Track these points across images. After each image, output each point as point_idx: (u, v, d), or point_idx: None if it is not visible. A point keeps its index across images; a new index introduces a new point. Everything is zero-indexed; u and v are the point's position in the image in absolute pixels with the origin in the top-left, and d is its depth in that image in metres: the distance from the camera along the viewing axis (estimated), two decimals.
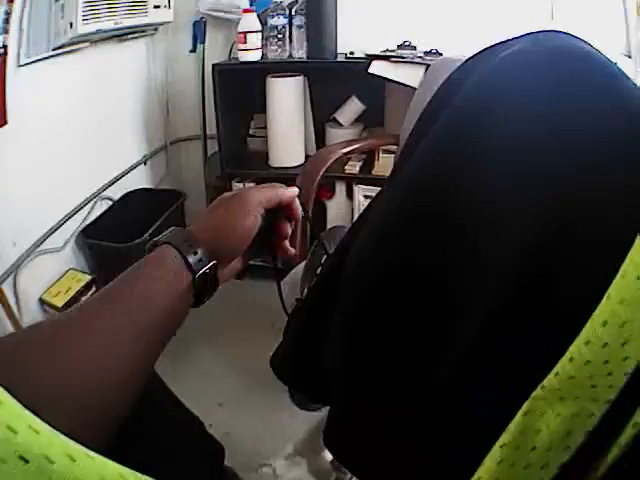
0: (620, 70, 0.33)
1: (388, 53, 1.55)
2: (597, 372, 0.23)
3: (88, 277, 1.45)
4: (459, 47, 1.53)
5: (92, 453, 0.21)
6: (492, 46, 0.41)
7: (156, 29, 1.79)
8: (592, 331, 0.24)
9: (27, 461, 0.18)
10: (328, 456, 0.78)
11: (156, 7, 1.66)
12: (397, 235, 0.38)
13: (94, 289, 1.45)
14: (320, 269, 0.68)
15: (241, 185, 1.65)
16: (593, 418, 0.24)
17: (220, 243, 0.43)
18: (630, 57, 2.04)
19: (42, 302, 1.34)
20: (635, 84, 0.32)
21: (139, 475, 0.22)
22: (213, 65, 1.58)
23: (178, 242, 0.40)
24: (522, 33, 0.39)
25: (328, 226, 1.63)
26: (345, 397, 0.44)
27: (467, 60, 0.42)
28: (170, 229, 0.43)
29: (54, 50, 1.31)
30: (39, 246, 1.31)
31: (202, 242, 0.41)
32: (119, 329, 0.35)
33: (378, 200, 0.47)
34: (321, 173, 1.26)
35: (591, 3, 1.98)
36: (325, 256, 0.69)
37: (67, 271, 1.44)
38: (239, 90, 1.66)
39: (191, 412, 0.55)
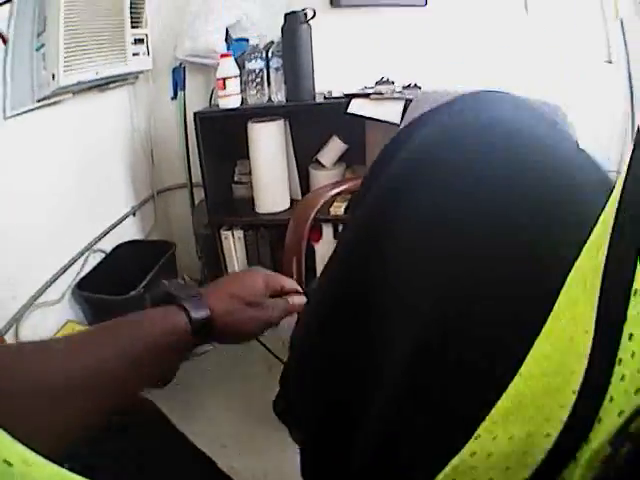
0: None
1: (367, 90, 1.56)
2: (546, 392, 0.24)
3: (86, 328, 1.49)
4: (438, 79, 1.56)
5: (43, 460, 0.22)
6: (426, 113, 0.41)
7: (137, 77, 1.84)
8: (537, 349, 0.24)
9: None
10: None
11: (135, 55, 1.70)
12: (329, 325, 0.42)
13: None
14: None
15: (229, 233, 1.67)
16: (550, 438, 0.24)
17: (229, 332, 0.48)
18: (611, 62, 2.04)
19: None
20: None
21: None
22: (194, 113, 1.61)
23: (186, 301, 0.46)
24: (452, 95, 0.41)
25: (318, 269, 1.65)
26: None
27: (407, 125, 0.42)
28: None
29: (38, 102, 1.34)
30: (37, 299, 1.35)
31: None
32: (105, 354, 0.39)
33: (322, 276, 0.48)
34: (311, 217, 1.28)
35: (569, 11, 1.99)
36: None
37: (66, 323, 1.48)
38: (222, 136, 1.69)
39: (204, 453, 0.58)
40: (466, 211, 0.30)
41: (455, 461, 0.26)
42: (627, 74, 2.03)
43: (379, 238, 0.35)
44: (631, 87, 2.03)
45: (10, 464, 0.20)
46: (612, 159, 2.04)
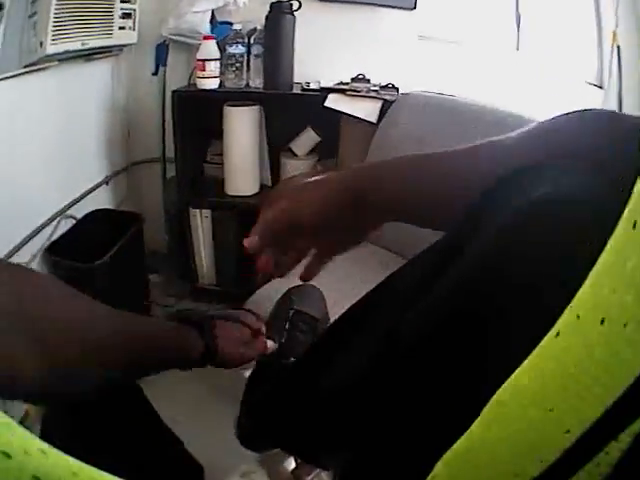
0: None
1: (342, 86, 1.64)
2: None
3: None
4: (413, 82, 1.64)
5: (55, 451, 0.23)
6: (519, 177, 0.40)
7: (121, 50, 1.88)
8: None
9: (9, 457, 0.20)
10: (289, 466, 0.83)
11: (121, 28, 1.75)
12: None
13: None
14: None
15: (197, 211, 1.74)
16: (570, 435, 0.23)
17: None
18: (601, 87, 2.12)
19: None
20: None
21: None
22: (173, 91, 1.68)
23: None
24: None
25: None
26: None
27: (492, 188, 0.41)
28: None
29: (24, 67, 1.38)
30: (9, 259, 1.36)
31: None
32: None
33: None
34: None
35: (563, 31, 2.06)
36: (292, 310, 0.79)
37: None
38: (198, 116, 1.76)
39: (173, 433, 0.69)
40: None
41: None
42: (618, 101, 2.12)
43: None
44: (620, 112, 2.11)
45: (9, 456, 0.20)
46: None
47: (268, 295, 1.06)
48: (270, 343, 0.71)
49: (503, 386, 0.26)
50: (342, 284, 1.15)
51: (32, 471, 0.20)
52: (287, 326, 0.76)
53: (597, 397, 0.21)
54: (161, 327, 0.61)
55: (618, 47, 2.03)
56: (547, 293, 0.31)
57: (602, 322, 0.20)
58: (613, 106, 2.06)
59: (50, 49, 1.37)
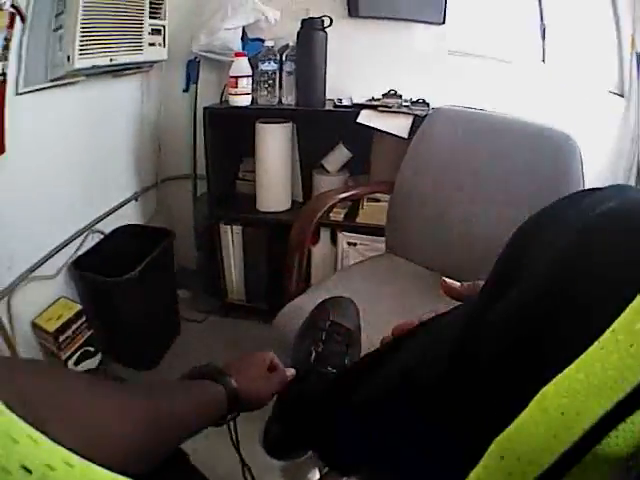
0: None
1: (374, 102, 1.65)
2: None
3: (78, 306, 1.56)
4: (443, 96, 1.64)
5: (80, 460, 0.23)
6: (573, 196, 0.40)
7: (151, 66, 1.91)
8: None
9: (30, 472, 0.20)
10: (314, 477, 0.85)
11: (151, 45, 1.78)
12: None
13: (84, 318, 1.56)
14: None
15: (228, 227, 1.75)
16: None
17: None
18: (622, 96, 2.11)
19: (34, 326, 1.45)
20: None
21: None
22: (204, 108, 1.69)
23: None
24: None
25: (313, 271, 1.73)
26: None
27: (542, 211, 0.41)
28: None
29: (51, 81, 1.40)
30: (32, 272, 1.41)
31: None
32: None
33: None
34: (319, 215, 1.36)
35: (584, 41, 2.06)
36: (328, 322, 0.80)
37: (59, 299, 1.55)
38: (229, 133, 1.77)
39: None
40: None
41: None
42: (638, 108, 2.11)
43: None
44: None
45: (53, 468, 0.20)
46: None
47: (299, 307, 1.07)
48: (290, 371, 0.72)
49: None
50: (368, 296, 1.17)
51: None
52: (324, 336, 0.78)
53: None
54: (186, 394, 0.60)
55: (637, 54, 2.03)
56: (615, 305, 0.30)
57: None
58: (634, 114, 2.06)
59: (78, 64, 1.39)
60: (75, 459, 0.23)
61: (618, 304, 0.28)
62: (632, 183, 2.10)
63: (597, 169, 1.99)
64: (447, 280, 0.52)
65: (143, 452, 0.49)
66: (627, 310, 0.26)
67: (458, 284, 0.52)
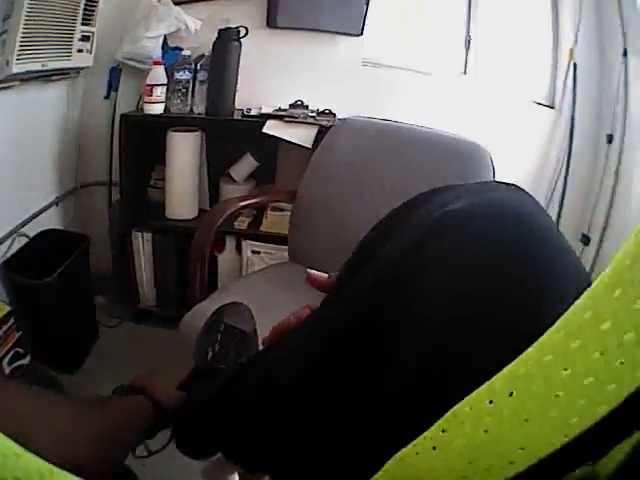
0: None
1: (281, 112, 1.69)
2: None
3: (7, 308, 1.60)
4: (356, 108, 1.68)
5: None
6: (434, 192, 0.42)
7: (78, 72, 1.96)
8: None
9: None
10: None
11: (79, 51, 1.83)
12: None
13: (12, 320, 1.60)
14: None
15: (139, 234, 1.80)
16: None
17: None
18: (552, 107, 2.14)
19: None
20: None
21: None
22: (121, 115, 1.74)
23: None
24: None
25: (219, 278, 1.77)
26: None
27: (398, 209, 0.43)
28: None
29: None
30: None
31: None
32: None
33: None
34: (219, 222, 1.40)
35: (509, 49, 2.10)
36: (223, 324, 0.85)
37: None
38: (144, 140, 1.82)
39: None
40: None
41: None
42: (570, 120, 2.14)
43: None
44: (571, 133, 2.13)
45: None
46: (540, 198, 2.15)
47: (202, 312, 1.11)
48: None
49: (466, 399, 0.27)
50: (267, 300, 1.21)
51: None
52: (219, 337, 0.83)
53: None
54: (126, 404, 0.66)
55: (575, 65, 2.06)
56: (446, 301, 0.32)
57: (565, 370, 0.22)
58: (565, 126, 2.08)
59: (15, 68, 1.43)
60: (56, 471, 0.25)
61: (439, 318, 0.31)
62: (558, 193, 2.13)
63: (517, 180, 2.02)
64: (311, 272, 0.52)
65: (102, 457, 0.53)
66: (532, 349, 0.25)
67: (325, 275, 0.51)
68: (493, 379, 0.26)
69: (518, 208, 0.36)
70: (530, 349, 0.25)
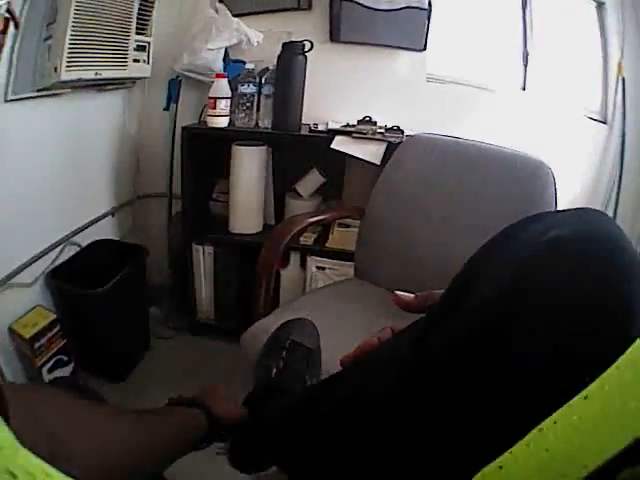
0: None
1: (349, 128, 1.70)
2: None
3: (53, 316, 1.61)
4: (420, 124, 1.69)
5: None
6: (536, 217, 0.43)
7: (134, 83, 1.98)
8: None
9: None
10: None
11: (135, 61, 1.84)
12: None
13: (58, 327, 1.61)
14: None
15: (200, 247, 1.80)
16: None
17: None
18: (605, 122, 2.15)
19: (11, 331, 1.50)
20: None
21: None
22: (183, 127, 1.75)
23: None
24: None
25: (281, 293, 1.78)
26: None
27: (505, 230, 0.44)
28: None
29: (38, 91, 1.44)
30: (10, 279, 1.45)
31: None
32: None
33: None
34: (288, 238, 1.41)
35: (563, 64, 2.11)
36: (288, 341, 0.85)
37: (35, 307, 1.59)
38: (206, 153, 1.83)
39: None
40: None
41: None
42: (621, 136, 2.15)
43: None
44: (622, 149, 2.14)
45: (14, 476, 0.22)
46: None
47: (265, 327, 1.11)
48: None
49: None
50: (332, 318, 1.22)
51: None
52: (284, 354, 0.83)
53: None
54: (175, 419, 0.68)
55: (623, 79, 2.07)
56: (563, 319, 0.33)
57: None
58: (616, 140, 2.09)
59: (64, 75, 1.44)
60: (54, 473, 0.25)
61: (550, 346, 0.32)
62: (610, 209, 2.14)
63: (573, 196, 2.03)
64: (399, 293, 0.52)
65: (140, 465, 0.57)
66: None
67: (411, 296, 0.51)
68: (579, 395, 0.27)
69: (612, 232, 0.37)
70: (611, 368, 0.26)
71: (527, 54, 2.08)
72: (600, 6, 2.12)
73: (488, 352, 0.35)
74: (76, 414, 0.53)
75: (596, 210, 0.41)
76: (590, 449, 0.25)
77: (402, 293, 0.52)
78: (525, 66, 2.08)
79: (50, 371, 1.60)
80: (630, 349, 0.27)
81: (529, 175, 1.41)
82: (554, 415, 0.28)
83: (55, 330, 1.60)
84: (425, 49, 1.85)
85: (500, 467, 0.29)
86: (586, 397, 0.27)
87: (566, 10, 2.15)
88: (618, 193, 2.16)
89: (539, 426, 0.28)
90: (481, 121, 1.89)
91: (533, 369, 0.32)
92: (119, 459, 0.53)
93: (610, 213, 2.16)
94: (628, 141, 2.12)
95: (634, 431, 0.24)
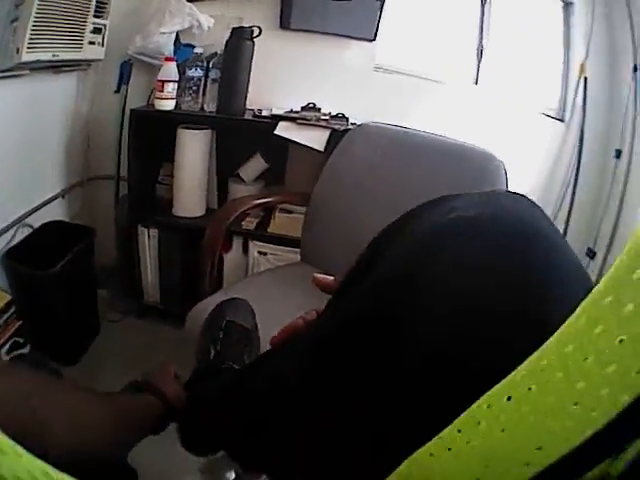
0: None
1: (293, 114, 1.72)
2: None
3: (9, 297, 1.62)
4: (367, 113, 1.71)
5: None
6: (442, 199, 0.43)
7: (89, 65, 1.98)
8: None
9: None
10: (230, 477, 0.87)
11: (91, 43, 1.84)
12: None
13: (14, 309, 1.62)
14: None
15: (145, 229, 1.82)
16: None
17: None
18: (562, 120, 2.18)
19: None
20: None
21: None
22: (131, 110, 1.76)
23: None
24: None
25: (225, 277, 1.79)
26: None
27: (411, 211, 0.44)
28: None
29: (1, 72, 1.45)
30: None
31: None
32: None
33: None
34: (232, 219, 1.43)
35: (520, 61, 2.13)
36: (224, 321, 0.86)
37: None
38: (153, 136, 1.84)
39: None
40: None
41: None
42: (580, 133, 2.17)
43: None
44: (580, 148, 2.17)
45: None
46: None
47: (205, 309, 1.13)
48: None
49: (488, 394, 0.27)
50: (274, 299, 1.25)
51: None
52: (221, 335, 0.84)
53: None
54: (135, 401, 0.70)
55: (585, 79, 2.09)
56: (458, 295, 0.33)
57: (586, 359, 0.22)
58: (574, 139, 2.12)
59: (25, 57, 1.44)
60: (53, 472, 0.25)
61: (454, 307, 0.32)
62: (565, 208, 2.16)
63: (527, 190, 2.05)
64: (317, 275, 0.54)
65: (111, 442, 0.59)
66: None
67: (331, 278, 0.53)
68: (513, 373, 0.26)
69: (524, 215, 0.38)
70: (550, 340, 0.25)
71: (482, 48, 2.10)
72: (567, 6, 2.14)
73: (378, 335, 0.35)
74: (56, 390, 0.56)
75: (513, 193, 0.42)
76: (532, 443, 0.24)
77: (321, 275, 0.53)
78: (479, 60, 2.10)
79: (8, 353, 1.61)
80: (573, 316, 0.25)
81: (479, 167, 1.42)
82: (487, 396, 0.27)
83: (11, 311, 1.62)
84: (375, 39, 1.88)
85: (431, 454, 0.29)
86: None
87: (529, 8, 2.17)
88: (574, 190, 2.18)
89: (469, 410, 0.27)
90: (430, 113, 1.91)
91: (422, 354, 0.32)
92: (91, 435, 0.56)
93: (565, 210, 2.19)
94: (586, 140, 2.14)
95: (590, 422, 0.22)
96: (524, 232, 0.36)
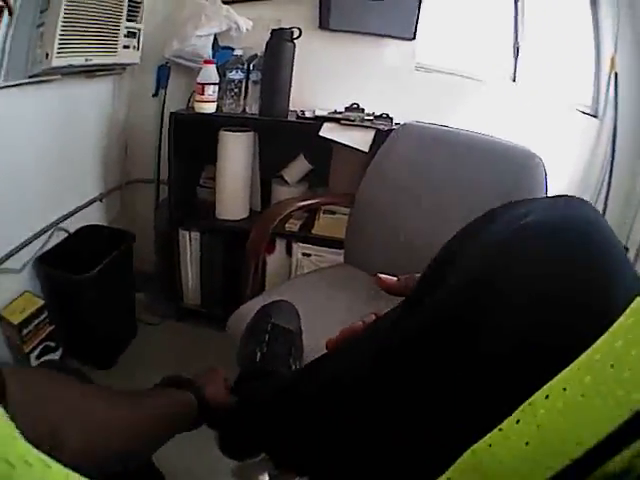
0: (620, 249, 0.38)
1: (337, 115, 1.71)
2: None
3: (41, 302, 1.63)
4: (408, 112, 1.70)
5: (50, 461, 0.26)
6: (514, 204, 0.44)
7: (124, 69, 1.99)
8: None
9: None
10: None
11: (125, 47, 1.85)
12: None
13: (46, 313, 1.63)
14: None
15: (187, 233, 1.82)
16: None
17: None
18: (596, 117, 2.17)
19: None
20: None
21: None
22: (171, 113, 1.76)
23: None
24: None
25: (267, 279, 1.79)
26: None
27: (484, 215, 0.45)
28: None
29: (29, 77, 1.45)
30: None
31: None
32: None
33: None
34: (277, 222, 1.43)
35: (555, 58, 2.12)
36: (269, 324, 0.86)
37: (24, 292, 1.61)
38: (194, 139, 1.84)
39: None
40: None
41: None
42: (613, 130, 2.16)
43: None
44: (614, 143, 2.16)
45: (12, 465, 0.22)
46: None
47: (248, 312, 1.12)
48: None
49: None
50: (319, 302, 1.25)
51: None
52: (267, 338, 0.84)
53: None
54: (164, 401, 0.69)
55: (616, 74, 2.08)
56: (531, 302, 0.33)
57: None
58: (607, 135, 2.10)
59: (55, 62, 1.45)
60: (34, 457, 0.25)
61: (531, 319, 0.32)
62: (600, 203, 2.15)
63: (563, 188, 2.04)
64: (381, 275, 0.53)
65: (130, 448, 0.58)
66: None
67: (394, 279, 0.52)
68: (569, 367, 0.28)
69: (589, 216, 0.38)
70: (603, 336, 0.27)
71: (518, 46, 2.10)
72: (594, 1, 2.14)
73: (455, 342, 0.35)
74: (72, 397, 0.54)
75: (578, 198, 0.41)
76: (584, 424, 0.25)
77: (385, 276, 0.53)
78: (516, 58, 2.10)
79: (38, 357, 1.62)
80: (623, 316, 0.27)
81: (520, 165, 1.42)
82: (546, 388, 0.28)
83: (43, 316, 1.62)
84: (415, 38, 1.87)
85: (490, 445, 0.29)
86: (579, 369, 0.27)
87: (559, 4, 2.17)
88: (609, 187, 2.17)
89: (529, 400, 0.28)
90: (470, 111, 1.91)
91: (501, 362, 0.32)
92: (110, 444, 0.54)
93: (600, 207, 2.17)
94: (619, 136, 2.13)
95: (631, 403, 0.24)
96: (591, 232, 0.37)
